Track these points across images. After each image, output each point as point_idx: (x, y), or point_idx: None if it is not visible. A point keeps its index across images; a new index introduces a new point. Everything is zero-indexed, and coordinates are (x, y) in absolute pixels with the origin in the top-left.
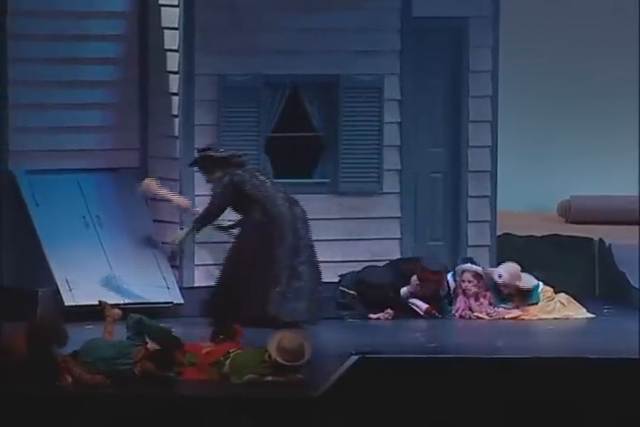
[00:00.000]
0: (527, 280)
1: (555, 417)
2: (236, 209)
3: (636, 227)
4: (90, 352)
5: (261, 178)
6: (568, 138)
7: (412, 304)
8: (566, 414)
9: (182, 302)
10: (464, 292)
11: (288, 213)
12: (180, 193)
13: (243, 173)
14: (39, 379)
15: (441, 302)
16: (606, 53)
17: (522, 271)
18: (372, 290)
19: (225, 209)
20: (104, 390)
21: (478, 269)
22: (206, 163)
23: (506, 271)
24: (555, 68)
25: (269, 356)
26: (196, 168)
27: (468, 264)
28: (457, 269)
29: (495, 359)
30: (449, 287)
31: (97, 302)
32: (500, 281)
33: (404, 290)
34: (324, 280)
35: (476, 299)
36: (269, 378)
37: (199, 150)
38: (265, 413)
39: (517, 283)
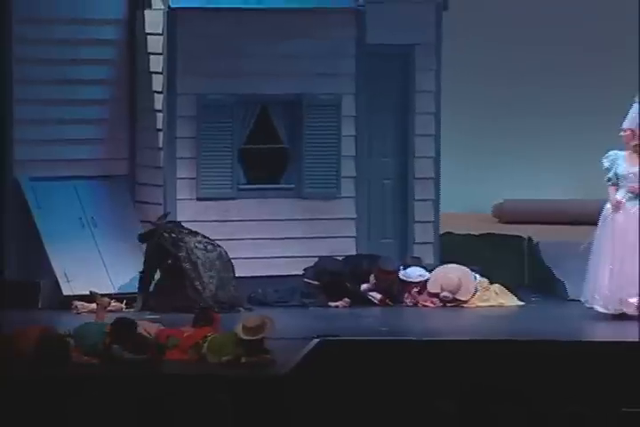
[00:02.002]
0: (467, 287)
1: (489, 390)
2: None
3: (561, 227)
4: (82, 336)
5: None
6: (502, 149)
7: (369, 295)
8: (500, 387)
9: None
10: (410, 292)
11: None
12: (164, 198)
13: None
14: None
15: (393, 293)
16: (536, 73)
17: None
18: (331, 280)
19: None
20: (94, 371)
21: (421, 276)
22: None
23: (449, 291)
24: (489, 90)
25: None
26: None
27: (411, 271)
28: (401, 273)
29: (438, 341)
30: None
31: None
32: (446, 299)
33: (364, 286)
34: (292, 273)
35: (421, 292)
36: (243, 359)
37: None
38: (239, 389)
39: (459, 296)
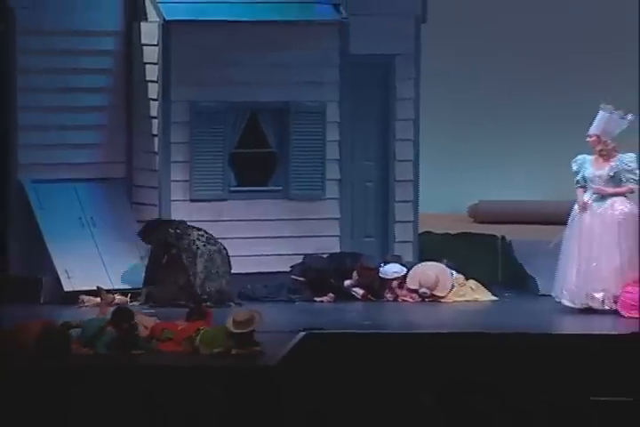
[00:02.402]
0: (444, 283)
1: (465, 381)
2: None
3: (533, 226)
4: (84, 329)
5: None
6: (477, 153)
7: (352, 291)
8: (474, 378)
9: None
10: (390, 286)
11: (189, 247)
12: (160, 199)
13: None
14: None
15: (375, 289)
16: (509, 83)
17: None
18: (316, 277)
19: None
20: (93, 362)
21: (400, 272)
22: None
23: (427, 287)
24: (465, 97)
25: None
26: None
27: (393, 267)
28: (381, 270)
29: (417, 334)
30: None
31: (90, 288)
32: (424, 295)
33: (347, 282)
34: (279, 270)
35: (401, 287)
36: (234, 351)
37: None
38: (229, 379)
39: (437, 292)
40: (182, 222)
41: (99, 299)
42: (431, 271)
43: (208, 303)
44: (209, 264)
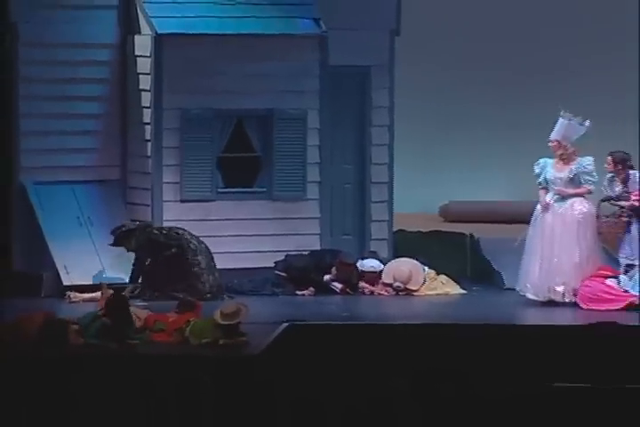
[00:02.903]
0: (416, 277)
1: (436, 369)
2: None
3: (499, 225)
4: (82, 320)
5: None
6: (448, 157)
7: (332, 285)
8: (444, 366)
9: None
10: (366, 280)
11: (188, 245)
12: (152, 200)
13: (150, 231)
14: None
15: (353, 283)
16: (476, 90)
17: (412, 260)
18: (298, 272)
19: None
20: (90, 351)
21: (376, 267)
22: (122, 239)
23: (401, 281)
24: (437, 105)
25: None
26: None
27: (369, 262)
28: (359, 264)
29: (392, 325)
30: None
31: (89, 283)
32: (398, 289)
33: (326, 277)
34: (264, 266)
35: (377, 284)
36: (221, 341)
37: (113, 232)
38: (217, 367)
39: (410, 286)
40: (150, 224)
41: (85, 295)
42: (405, 267)
43: (208, 296)
44: (207, 260)
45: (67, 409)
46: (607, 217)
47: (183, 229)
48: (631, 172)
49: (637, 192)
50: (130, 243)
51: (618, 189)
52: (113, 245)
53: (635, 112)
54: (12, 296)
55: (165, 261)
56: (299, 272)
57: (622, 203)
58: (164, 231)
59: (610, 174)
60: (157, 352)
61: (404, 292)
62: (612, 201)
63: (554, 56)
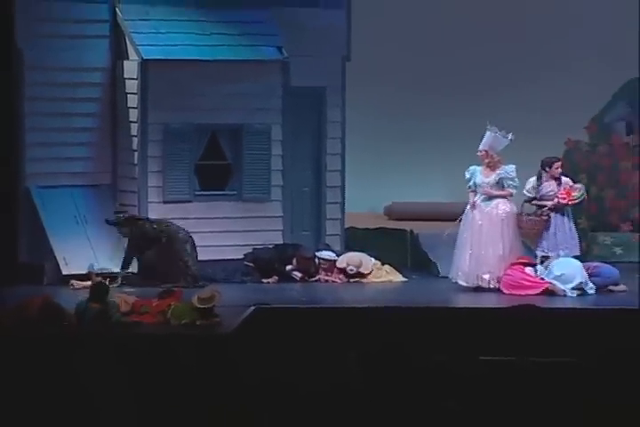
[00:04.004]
0: (366, 262)
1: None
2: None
3: (435, 222)
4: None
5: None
6: (391, 165)
7: (293, 274)
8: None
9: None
10: (321, 267)
11: (176, 236)
12: (139, 201)
13: (143, 224)
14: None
15: (310, 273)
16: (415, 109)
17: (362, 252)
18: (264, 263)
19: (138, 252)
20: (84, 330)
21: (330, 256)
22: (122, 225)
23: (354, 265)
24: (382, 121)
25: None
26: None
27: (324, 252)
28: (317, 253)
29: (344, 307)
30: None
31: (85, 273)
32: (350, 273)
33: (288, 267)
34: (233, 258)
35: (331, 272)
36: (198, 322)
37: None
38: (194, 344)
39: (361, 270)
40: (137, 217)
41: (87, 282)
42: (356, 255)
43: (200, 283)
44: (192, 249)
45: (64, 382)
46: (529, 215)
47: (170, 222)
48: (563, 178)
49: (562, 192)
50: (128, 230)
51: (549, 189)
52: (112, 224)
53: (546, 126)
54: (18, 283)
55: (157, 250)
56: (264, 263)
57: (547, 202)
58: (155, 225)
59: (533, 179)
60: (143, 331)
61: (355, 278)
62: (535, 201)
63: (481, 77)
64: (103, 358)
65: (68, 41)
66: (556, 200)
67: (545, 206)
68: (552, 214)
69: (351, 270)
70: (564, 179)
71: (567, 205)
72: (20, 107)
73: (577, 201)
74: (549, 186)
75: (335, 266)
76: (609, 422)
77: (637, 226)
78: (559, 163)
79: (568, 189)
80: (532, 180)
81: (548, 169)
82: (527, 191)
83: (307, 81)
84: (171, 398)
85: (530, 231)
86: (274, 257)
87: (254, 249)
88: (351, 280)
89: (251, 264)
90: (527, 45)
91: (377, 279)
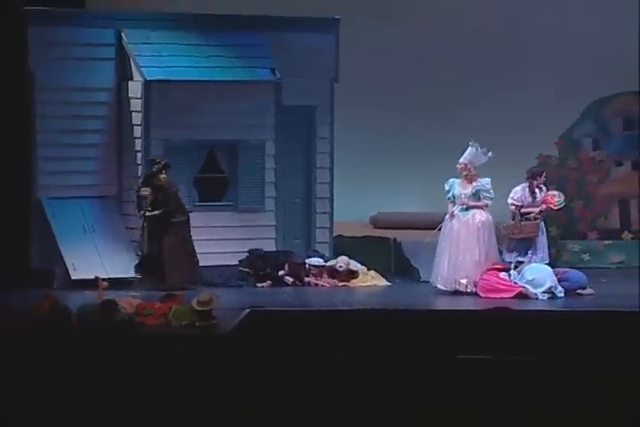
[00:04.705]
0: (354, 264)
1: (369, 347)
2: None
3: (417, 231)
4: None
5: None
6: (376, 179)
7: (285, 279)
8: (373, 340)
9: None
10: (311, 272)
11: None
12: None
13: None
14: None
15: (301, 278)
16: (398, 126)
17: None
18: (258, 268)
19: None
20: (89, 329)
21: (319, 262)
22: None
23: (343, 263)
24: (369, 137)
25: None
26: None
27: (313, 259)
28: (307, 260)
29: (333, 310)
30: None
31: (92, 278)
32: (340, 270)
33: (281, 273)
34: (231, 264)
35: (320, 277)
36: (197, 324)
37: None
38: (194, 344)
39: (350, 267)
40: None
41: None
42: (345, 257)
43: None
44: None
45: (70, 377)
46: (522, 222)
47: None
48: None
49: (548, 198)
50: (159, 179)
51: (537, 196)
52: (148, 177)
53: (519, 142)
54: (31, 287)
55: (169, 243)
56: (258, 268)
57: (532, 209)
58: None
59: (518, 188)
60: (146, 332)
61: (345, 279)
62: (523, 209)
63: (459, 97)
64: (107, 355)
65: (77, 63)
66: (544, 206)
67: (532, 212)
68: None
69: (340, 267)
70: (543, 187)
71: (552, 209)
72: (32, 124)
73: (560, 206)
74: (535, 194)
75: (324, 271)
76: (577, 415)
77: (603, 234)
78: (544, 173)
79: (550, 196)
80: (518, 189)
81: (538, 178)
82: (514, 200)
83: (298, 100)
84: (170, 394)
85: (529, 235)
86: (267, 262)
87: (249, 255)
88: (339, 284)
89: (246, 269)
90: (501, 67)
91: (363, 284)
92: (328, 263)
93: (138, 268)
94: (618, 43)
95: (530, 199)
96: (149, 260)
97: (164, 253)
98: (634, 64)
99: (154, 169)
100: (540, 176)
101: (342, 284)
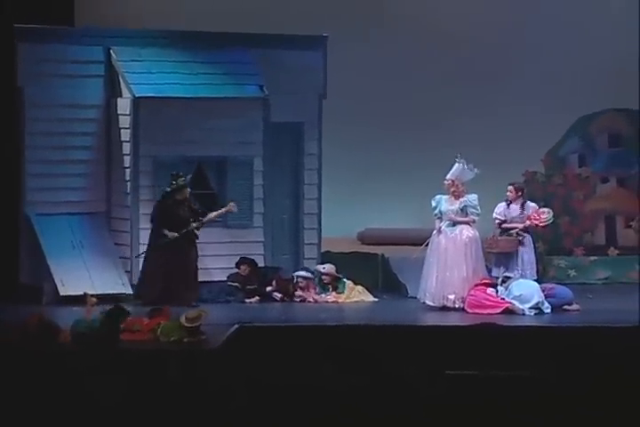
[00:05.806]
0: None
1: (358, 359)
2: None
3: (404, 246)
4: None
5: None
6: (363, 196)
7: (273, 295)
8: (361, 354)
9: (131, 293)
10: (299, 287)
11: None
12: (131, 227)
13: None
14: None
15: (289, 294)
16: (385, 142)
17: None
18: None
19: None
20: (82, 348)
21: (307, 275)
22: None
23: (330, 268)
24: (355, 153)
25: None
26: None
27: (301, 272)
28: (294, 274)
29: (320, 325)
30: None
31: (81, 293)
32: (323, 271)
33: (269, 288)
34: (220, 279)
35: (308, 290)
36: (185, 339)
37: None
38: (182, 360)
39: (332, 272)
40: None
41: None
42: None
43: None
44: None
45: (60, 392)
46: (502, 236)
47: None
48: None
49: (534, 215)
50: (182, 194)
51: (517, 212)
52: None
53: (506, 159)
54: (19, 303)
55: (194, 258)
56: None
57: (516, 225)
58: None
59: (502, 204)
60: (135, 348)
61: (329, 278)
62: (505, 224)
63: (446, 114)
64: (97, 372)
65: (66, 80)
66: (528, 222)
67: (516, 228)
68: (525, 235)
69: (323, 268)
70: (530, 203)
71: (538, 226)
72: (21, 140)
73: (547, 223)
74: (516, 210)
75: (311, 284)
76: None
77: (589, 250)
78: (525, 189)
79: (539, 213)
80: (502, 205)
81: (519, 194)
82: (497, 214)
83: (286, 117)
84: (159, 410)
85: (504, 251)
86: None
87: (238, 272)
88: (328, 301)
89: (235, 284)
90: (488, 85)
91: (350, 299)
92: (315, 267)
93: (143, 283)
94: (604, 59)
95: (514, 214)
96: (161, 275)
97: (189, 268)
98: (620, 81)
99: (180, 183)
100: (522, 192)
101: (330, 299)
